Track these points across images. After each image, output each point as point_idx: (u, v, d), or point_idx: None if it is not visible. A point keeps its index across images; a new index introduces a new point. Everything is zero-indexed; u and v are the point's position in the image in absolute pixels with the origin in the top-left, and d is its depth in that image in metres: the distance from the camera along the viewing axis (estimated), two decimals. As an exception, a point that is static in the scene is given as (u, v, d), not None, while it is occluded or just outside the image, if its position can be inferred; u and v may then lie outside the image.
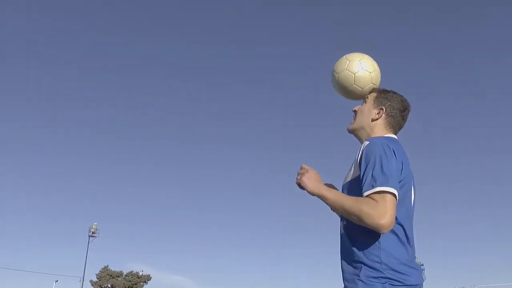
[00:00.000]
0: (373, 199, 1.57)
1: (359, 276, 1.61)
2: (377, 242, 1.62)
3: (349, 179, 1.81)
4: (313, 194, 1.75)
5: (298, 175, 1.83)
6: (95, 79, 56.47)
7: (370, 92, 2.02)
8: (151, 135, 58.53)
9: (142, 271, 34.96)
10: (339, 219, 1.87)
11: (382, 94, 1.99)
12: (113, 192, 55.73)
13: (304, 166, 1.84)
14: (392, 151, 1.68)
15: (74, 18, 57.38)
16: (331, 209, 1.89)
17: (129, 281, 33.50)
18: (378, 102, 1.97)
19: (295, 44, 59.94)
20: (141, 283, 34.23)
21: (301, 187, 1.79)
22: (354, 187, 1.72)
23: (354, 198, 1.64)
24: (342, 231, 1.81)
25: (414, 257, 1.69)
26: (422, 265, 1.67)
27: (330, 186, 1.91)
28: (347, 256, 1.72)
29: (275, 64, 60.01)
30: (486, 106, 52.86)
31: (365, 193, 1.61)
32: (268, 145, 58.93)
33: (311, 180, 1.77)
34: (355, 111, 2.04)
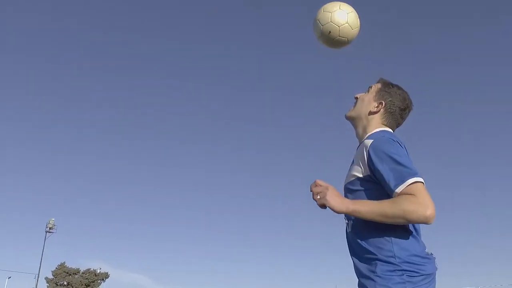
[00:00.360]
0: (409, 193, 1.53)
1: (375, 272, 1.58)
2: (387, 237, 1.61)
3: (352, 178, 1.76)
4: (341, 213, 1.62)
5: (314, 193, 1.65)
6: (95, 79, 55.66)
7: (328, 36, 2.07)
8: (151, 135, 57.65)
9: (100, 268, 34.04)
10: (341, 219, 1.81)
11: (386, 88, 1.94)
12: (73, 188, 54.14)
13: (320, 182, 1.67)
14: (397, 143, 1.68)
15: (75, 18, 56.19)
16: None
17: (86, 278, 32.47)
18: (379, 96, 1.92)
19: (295, 44, 59.91)
20: (99, 281, 33.28)
21: (324, 207, 1.63)
22: (365, 186, 1.70)
23: (388, 201, 1.57)
24: (349, 229, 1.76)
25: (425, 247, 1.69)
26: (431, 254, 1.69)
27: None
28: (359, 254, 1.68)
29: (275, 65, 60.47)
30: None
31: (397, 190, 1.55)
32: (268, 145, 59.32)
33: (334, 198, 1.61)
34: (356, 98, 1.99)
